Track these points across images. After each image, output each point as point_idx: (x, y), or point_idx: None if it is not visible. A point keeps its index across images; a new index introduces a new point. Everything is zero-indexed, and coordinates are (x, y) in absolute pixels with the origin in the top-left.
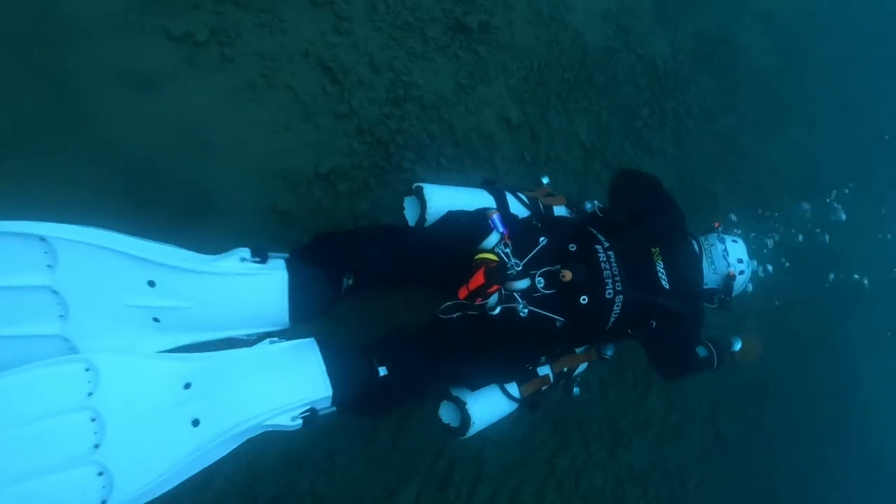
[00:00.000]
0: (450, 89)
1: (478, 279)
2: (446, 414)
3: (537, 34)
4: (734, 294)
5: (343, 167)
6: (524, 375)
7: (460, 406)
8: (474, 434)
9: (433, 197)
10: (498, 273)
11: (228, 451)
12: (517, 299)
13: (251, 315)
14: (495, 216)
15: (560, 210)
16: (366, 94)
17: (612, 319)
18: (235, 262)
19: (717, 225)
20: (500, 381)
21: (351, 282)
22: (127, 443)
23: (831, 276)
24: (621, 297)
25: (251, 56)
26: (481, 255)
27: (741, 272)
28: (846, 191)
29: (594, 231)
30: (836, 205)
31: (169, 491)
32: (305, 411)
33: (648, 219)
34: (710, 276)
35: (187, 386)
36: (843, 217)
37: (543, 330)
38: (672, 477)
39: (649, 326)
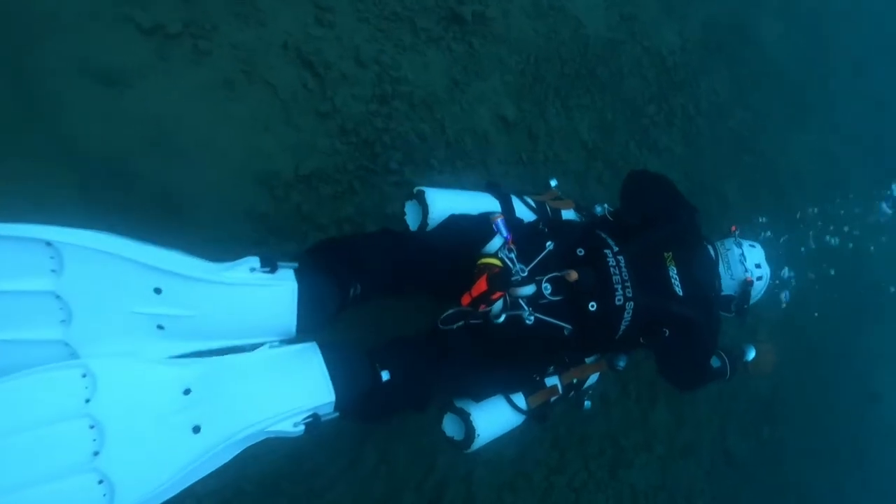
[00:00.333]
0: (441, 85)
1: (480, 285)
2: (450, 426)
3: (535, 25)
4: (752, 301)
5: (325, 169)
6: (531, 386)
7: (464, 418)
8: (479, 447)
9: (435, 201)
10: (501, 279)
11: (230, 458)
12: (523, 306)
13: (257, 325)
14: (499, 220)
15: (568, 214)
16: (350, 91)
17: (622, 327)
18: (245, 272)
19: (733, 229)
20: (506, 391)
21: (358, 291)
22: (127, 450)
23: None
24: (632, 303)
25: (227, 49)
26: (484, 261)
27: (759, 278)
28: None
29: (603, 235)
30: (884, 205)
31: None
32: (308, 417)
33: (661, 222)
34: (727, 282)
35: (187, 392)
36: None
37: (551, 338)
38: (678, 499)
39: (662, 335)
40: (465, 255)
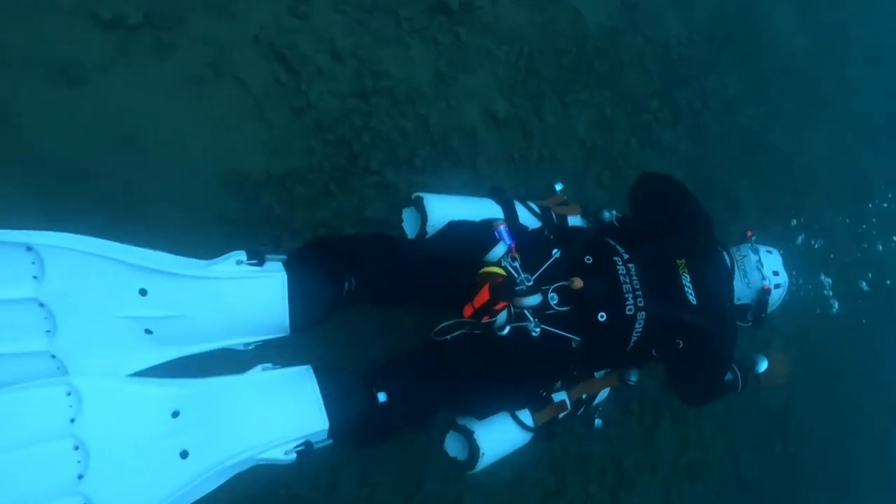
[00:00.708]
0: (426, 79)
1: (483, 295)
2: (453, 446)
3: (529, 14)
4: (769, 310)
5: (299, 169)
6: (538, 402)
7: (468, 436)
8: (484, 467)
9: (435, 208)
10: (505, 288)
11: (217, 485)
12: (528, 317)
13: (249, 322)
14: (502, 227)
15: (575, 220)
16: (326, 86)
17: (633, 339)
18: (231, 266)
19: (749, 234)
20: (511, 408)
21: (353, 286)
22: (112, 474)
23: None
24: (643, 313)
25: (194, 43)
26: (486, 269)
27: (777, 286)
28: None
29: (612, 242)
30: None
31: None
32: (300, 444)
33: (673, 228)
34: (743, 291)
35: (175, 414)
36: None
37: (558, 351)
38: None
39: (675, 347)
40: (466, 264)
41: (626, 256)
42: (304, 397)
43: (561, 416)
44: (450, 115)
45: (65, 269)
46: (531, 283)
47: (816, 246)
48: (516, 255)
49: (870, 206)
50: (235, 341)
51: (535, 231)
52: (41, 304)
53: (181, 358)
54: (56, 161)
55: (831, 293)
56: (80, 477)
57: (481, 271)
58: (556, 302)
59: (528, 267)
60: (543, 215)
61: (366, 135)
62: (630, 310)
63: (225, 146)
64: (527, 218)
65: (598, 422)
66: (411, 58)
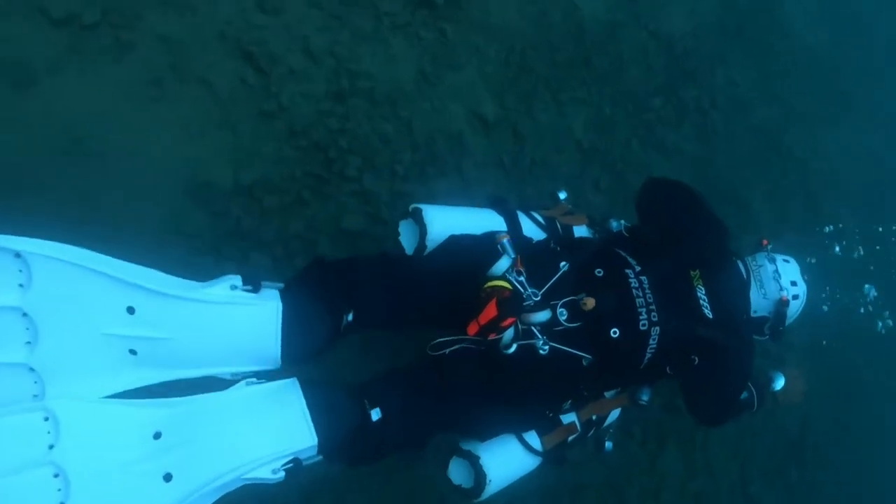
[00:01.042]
0: (408, 79)
1: (490, 311)
2: (457, 473)
3: (520, 7)
4: (788, 323)
5: (270, 178)
6: (546, 424)
7: (473, 461)
8: (492, 495)
9: (434, 220)
10: (513, 303)
11: None
12: (536, 334)
13: (238, 351)
14: (505, 240)
15: (581, 231)
16: (299, 88)
17: (647, 356)
18: (225, 290)
19: (765, 242)
20: (518, 430)
21: (351, 318)
22: (94, 501)
23: None
24: (657, 328)
25: (153, 42)
26: (491, 284)
27: (795, 297)
28: None
29: (623, 254)
30: None
31: None
32: (288, 462)
33: (685, 237)
34: (760, 303)
35: (157, 436)
36: None
37: (567, 370)
38: None
39: (691, 363)
40: (468, 280)
41: (638, 268)
42: (290, 412)
43: (570, 438)
44: (434, 117)
45: (52, 280)
46: (539, 297)
47: (856, 255)
48: (522, 269)
49: None
50: (222, 370)
51: (540, 243)
52: (24, 314)
53: (165, 382)
54: (2, 168)
55: (880, 309)
56: None
57: (486, 286)
58: (565, 318)
59: (535, 281)
60: (548, 226)
61: (342, 139)
62: (644, 325)
63: (188, 153)
64: (531, 229)
65: (608, 444)
66: (392, 56)
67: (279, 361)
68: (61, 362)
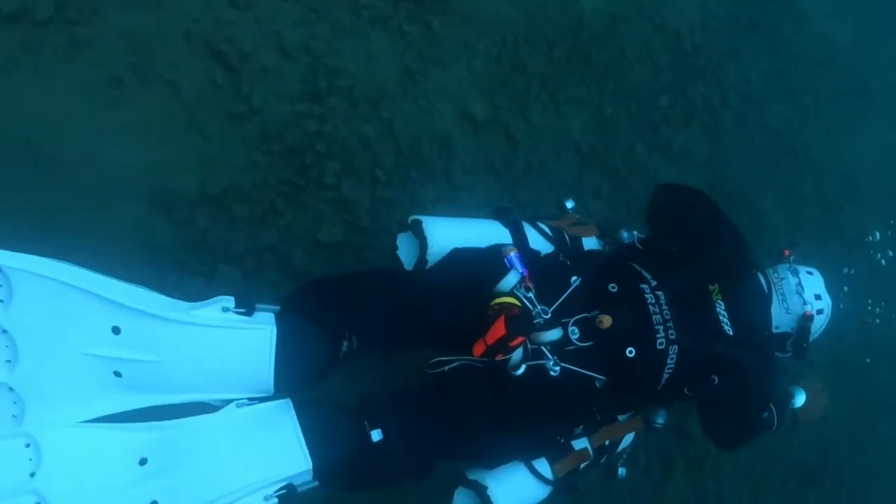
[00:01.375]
0: (391, 77)
1: (498, 329)
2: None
3: None
4: (812, 338)
5: (240, 186)
6: (557, 450)
7: (480, 492)
8: None
9: (435, 233)
10: (522, 321)
11: None
12: (546, 355)
13: (229, 377)
14: (512, 253)
15: (590, 242)
16: (272, 87)
17: (665, 376)
18: (216, 312)
19: (787, 253)
20: (527, 457)
21: (354, 345)
22: None
23: None
24: (675, 347)
25: (113, 39)
26: (499, 300)
27: (820, 311)
28: None
29: (638, 267)
30: None
31: None
32: (281, 488)
33: (702, 249)
34: (782, 318)
35: (143, 461)
36: None
37: (580, 392)
38: None
39: (710, 383)
40: (474, 297)
41: (653, 283)
42: (283, 434)
43: (582, 466)
44: (419, 118)
45: (34, 297)
46: (549, 315)
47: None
48: (530, 285)
49: None
50: (211, 396)
51: (548, 256)
52: (4, 331)
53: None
54: None
55: None
56: None
57: (494, 303)
58: (577, 336)
59: (545, 297)
60: (556, 238)
61: (319, 143)
62: (661, 344)
63: (151, 159)
64: (537, 241)
65: (621, 471)
66: (373, 52)
67: (272, 390)
68: (42, 382)
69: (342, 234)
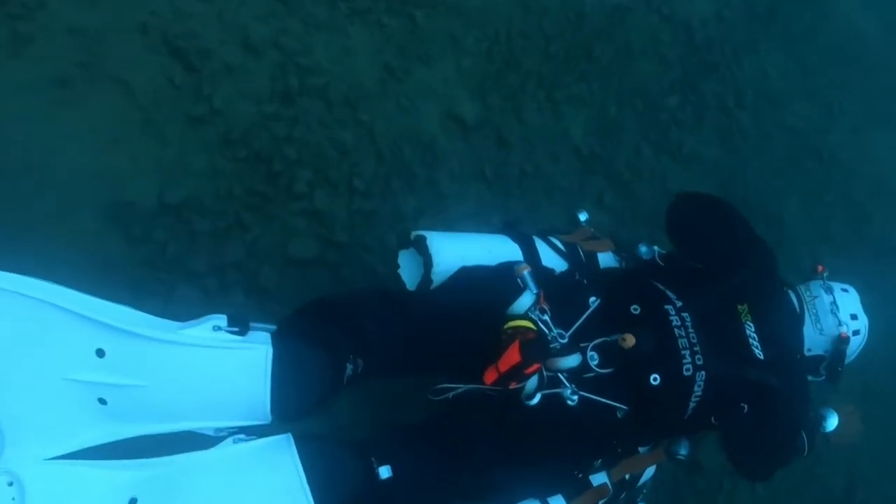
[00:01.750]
0: (370, 75)
1: (511, 356)
2: None
3: None
4: (847, 361)
5: (201, 196)
6: (574, 486)
7: None
8: None
9: (441, 250)
10: (538, 346)
11: None
12: (564, 382)
13: (222, 402)
14: (525, 272)
15: (606, 258)
16: (237, 87)
17: (691, 405)
18: (207, 332)
19: (820, 269)
20: (542, 494)
21: (359, 369)
22: None
23: None
24: (703, 373)
25: (59, 35)
26: (513, 324)
27: (856, 332)
28: None
29: (660, 286)
30: None
31: None
32: None
33: (729, 265)
34: (815, 339)
35: (133, 502)
36: None
37: (599, 423)
38: None
39: (740, 411)
40: (484, 320)
41: (679, 304)
42: (284, 474)
43: (601, 502)
44: (401, 121)
45: (11, 318)
46: (566, 340)
47: None
48: (545, 306)
49: None
50: (204, 424)
51: (563, 275)
52: None
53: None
54: None
55: None
56: None
57: (507, 326)
58: (596, 363)
59: (561, 320)
60: (569, 253)
61: (290, 148)
62: (688, 370)
63: (102, 167)
64: (550, 257)
65: None
66: (350, 47)
67: (269, 417)
68: (22, 412)
69: (315, 250)
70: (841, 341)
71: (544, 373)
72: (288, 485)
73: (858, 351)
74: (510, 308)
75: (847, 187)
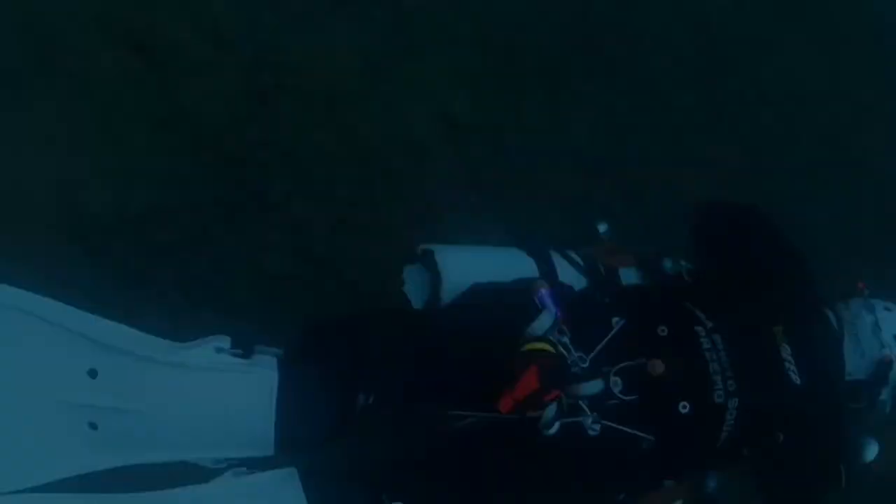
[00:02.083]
0: (352, 71)
1: (529, 382)
2: None
3: None
4: (891, 387)
5: (165, 205)
6: None
7: None
8: None
9: (451, 266)
10: (558, 372)
11: None
12: (584, 410)
13: (222, 430)
14: (543, 291)
15: (629, 274)
16: (206, 85)
17: (723, 435)
18: (208, 353)
19: (861, 286)
20: None
21: (370, 401)
22: None
23: None
24: (736, 400)
25: (7, 25)
26: (530, 347)
27: None
28: None
29: (689, 305)
30: None
31: None
32: None
33: (762, 282)
34: (856, 363)
35: None
36: None
37: (623, 454)
38: None
39: (774, 441)
40: (499, 343)
41: (709, 325)
42: None
43: None
44: (387, 121)
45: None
46: (587, 364)
47: None
48: (565, 328)
49: None
50: (202, 454)
51: (583, 293)
52: None
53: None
54: None
55: None
56: None
57: (525, 349)
58: (620, 389)
59: (581, 342)
60: (589, 269)
61: (263, 152)
62: (720, 397)
63: (57, 173)
64: (568, 273)
65: None
66: (332, 42)
67: (273, 449)
68: (7, 435)
69: (292, 265)
70: (884, 365)
71: (564, 400)
72: None
73: None
74: (528, 330)
75: (881, 193)
